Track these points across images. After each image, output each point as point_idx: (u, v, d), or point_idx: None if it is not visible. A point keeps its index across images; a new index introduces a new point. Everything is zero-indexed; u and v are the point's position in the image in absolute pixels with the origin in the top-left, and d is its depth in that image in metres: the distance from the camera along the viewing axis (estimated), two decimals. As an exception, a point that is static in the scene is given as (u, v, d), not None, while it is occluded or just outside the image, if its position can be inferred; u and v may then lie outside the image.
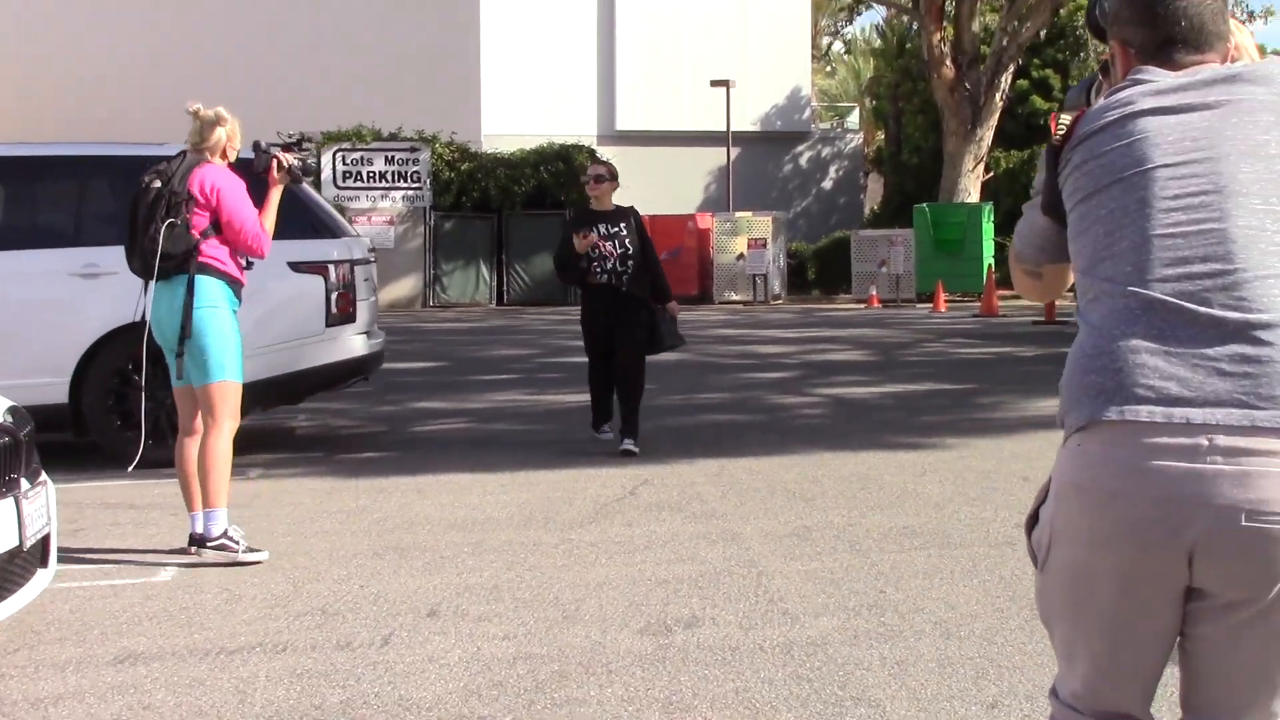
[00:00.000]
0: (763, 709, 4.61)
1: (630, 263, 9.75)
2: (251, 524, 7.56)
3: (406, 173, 31.50)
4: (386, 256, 32.02)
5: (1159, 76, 2.57)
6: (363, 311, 10.52)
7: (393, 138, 32.02)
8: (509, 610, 5.92)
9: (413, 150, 31.57)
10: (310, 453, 10.64)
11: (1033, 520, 2.64)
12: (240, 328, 7.28)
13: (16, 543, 5.13)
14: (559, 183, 32.32)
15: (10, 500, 5.14)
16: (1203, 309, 2.34)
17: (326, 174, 31.38)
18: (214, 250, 6.97)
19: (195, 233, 6.86)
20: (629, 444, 9.76)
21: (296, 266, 9.95)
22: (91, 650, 5.48)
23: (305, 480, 9.26)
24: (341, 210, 31.18)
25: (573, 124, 41.22)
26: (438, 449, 10.68)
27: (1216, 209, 2.39)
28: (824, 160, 45.48)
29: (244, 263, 7.20)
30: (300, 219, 10.11)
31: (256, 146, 7.27)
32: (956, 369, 16.91)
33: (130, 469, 7.78)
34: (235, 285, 7.13)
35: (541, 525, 7.62)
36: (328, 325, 10.20)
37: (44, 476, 5.64)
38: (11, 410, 5.64)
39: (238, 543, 6.83)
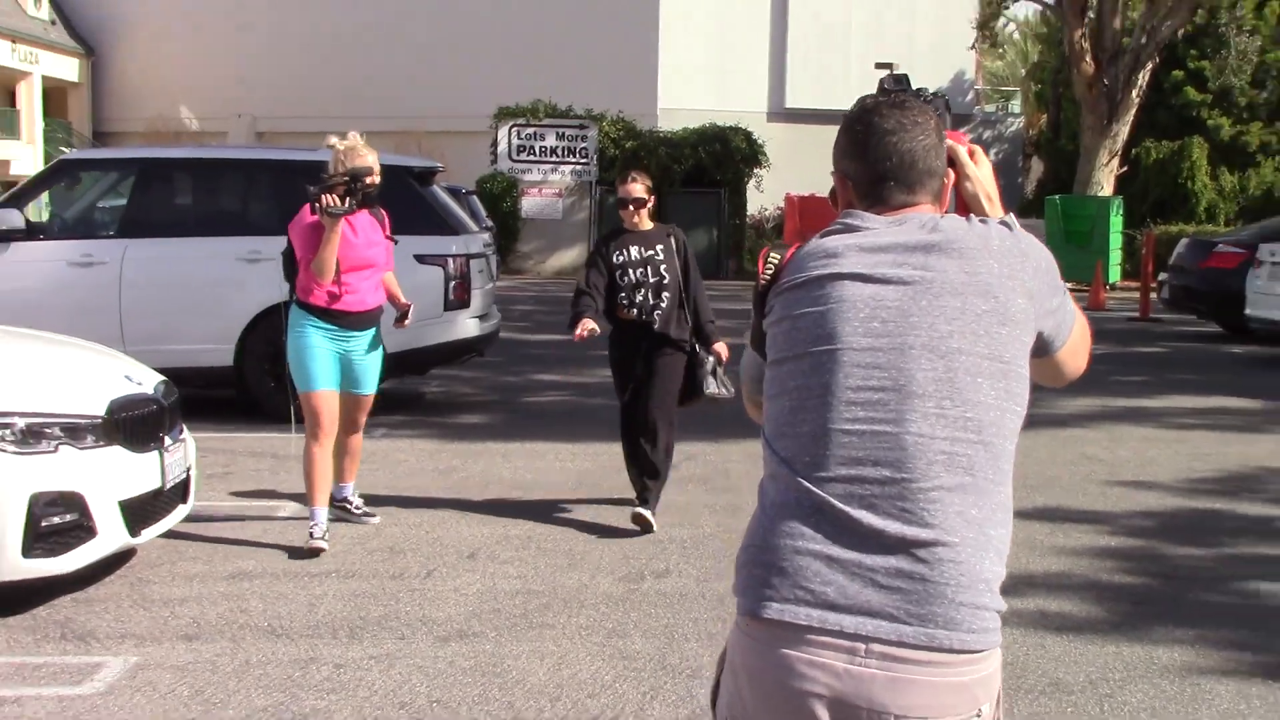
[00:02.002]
0: (676, 636, 6.14)
1: (665, 295, 8.05)
2: (365, 477, 9.21)
3: (575, 149, 33.05)
4: (555, 226, 33.77)
5: (867, 224, 2.55)
6: (477, 298, 12.06)
7: (564, 115, 33.61)
8: (530, 556, 7.51)
9: (581, 128, 33.12)
10: (430, 417, 12.26)
11: (716, 690, 2.64)
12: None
13: (159, 485, 6.88)
14: (716, 163, 33.70)
15: (155, 454, 6.88)
16: (867, 517, 2.36)
17: (502, 147, 33.14)
18: (302, 281, 7.63)
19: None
20: (643, 510, 8.06)
21: (421, 259, 11.47)
22: (214, 568, 7.22)
23: (417, 441, 10.92)
24: (513, 184, 33.11)
25: (745, 100, 42.47)
26: (535, 419, 12.23)
27: (893, 410, 2.39)
28: (985, 142, 45.93)
29: (340, 288, 7.59)
30: (424, 218, 11.72)
31: (305, 190, 7.55)
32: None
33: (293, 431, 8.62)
34: (318, 311, 7.60)
35: (589, 489, 9.14)
36: (445, 309, 11.72)
37: (185, 435, 7.37)
38: (163, 383, 7.37)
39: (315, 538, 7.51)
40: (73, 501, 6.38)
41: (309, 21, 47.08)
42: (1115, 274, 28.65)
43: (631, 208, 8.20)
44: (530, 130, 32.98)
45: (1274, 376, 15.71)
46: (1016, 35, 55.52)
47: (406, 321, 8.11)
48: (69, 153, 13.60)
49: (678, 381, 8.13)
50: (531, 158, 32.99)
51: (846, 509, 2.36)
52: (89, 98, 51.59)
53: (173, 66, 49.80)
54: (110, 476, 6.55)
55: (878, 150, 2.58)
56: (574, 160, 33.03)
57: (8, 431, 6.25)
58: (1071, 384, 2.77)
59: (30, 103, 48.11)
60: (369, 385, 7.94)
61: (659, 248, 8.15)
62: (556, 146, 33.08)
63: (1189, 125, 37.90)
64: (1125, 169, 32.77)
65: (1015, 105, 50.54)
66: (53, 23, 49.87)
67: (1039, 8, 40.62)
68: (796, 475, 2.43)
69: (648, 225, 8.28)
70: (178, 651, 5.90)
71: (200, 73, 49.10)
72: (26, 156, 46.79)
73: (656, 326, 8.04)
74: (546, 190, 33.14)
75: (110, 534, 6.54)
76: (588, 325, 7.88)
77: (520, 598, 6.74)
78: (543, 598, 6.75)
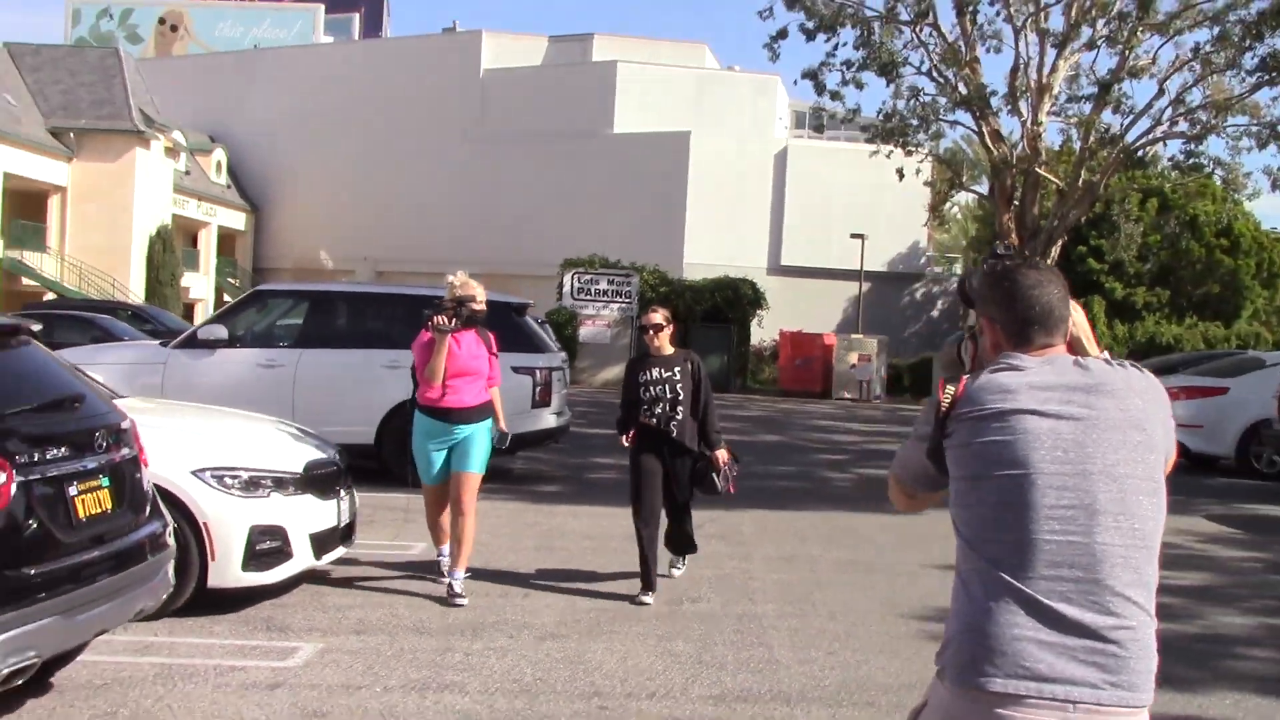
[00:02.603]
0: (708, 642, 6.60)
1: (680, 408, 7.70)
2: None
3: (621, 291, 33.67)
4: (604, 349, 34.32)
5: (1025, 363, 2.54)
6: (555, 399, 12.59)
7: (614, 266, 34.37)
8: (599, 583, 7.97)
9: (627, 276, 33.79)
10: (518, 486, 12.70)
11: None
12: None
13: (336, 523, 7.41)
14: (728, 305, 34.38)
15: (334, 501, 7.42)
16: (1068, 609, 2.40)
17: (566, 289, 33.82)
18: (420, 386, 7.59)
19: None
20: (677, 565, 8.25)
21: (517, 369, 11.99)
22: (371, 584, 7.71)
23: (509, 503, 11.35)
24: (574, 316, 33.77)
25: (751, 258, 43.23)
26: (596, 489, 12.66)
27: (1082, 524, 2.42)
28: (933, 296, 46.65)
29: (446, 393, 7.45)
30: (520, 340, 12.24)
31: (424, 314, 7.61)
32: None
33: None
34: (429, 410, 7.53)
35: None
36: (533, 407, 12.24)
37: (352, 489, 7.90)
38: (340, 452, 7.92)
39: (442, 570, 7.76)
40: (277, 532, 6.91)
41: (418, 188, 48.33)
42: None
43: (651, 332, 7.88)
44: (588, 277, 33.66)
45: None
46: (959, 215, 56.25)
47: (505, 445, 7.97)
48: (262, 286, 14.12)
49: (687, 477, 7.86)
50: (588, 297, 33.61)
51: (1050, 603, 2.39)
52: (251, 242, 52.84)
53: (314, 221, 51.03)
54: (304, 516, 7.07)
55: (1024, 301, 2.56)
56: (620, 300, 33.64)
57: (235, 481, 6.81)
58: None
59: (208, 245, 49.32)
60: (472, 464, 7.56)
61: (676, 370, 7.78)
62: (607, 289, 33.71)
63: (1091, 287, 38.50)
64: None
65: (957, 268, 51.08)
66: (228, 187, 51.24)
67: (976, 197, 41.42)
68: (1003, 574, 2.43)
69: (669, 350, 7.87)
70: (350, 641, 6.40)
71: (334, 225, 50.27)
72: (202, 285, 47.91)
73: (675, 435, 7.72)
74: (599, 322, 33.75)
75: (302, 557, 7.06)
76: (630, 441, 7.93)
77: (594, 612, 7.22)
78: (610, 613, 7.22)
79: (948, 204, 43.27)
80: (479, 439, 7.61)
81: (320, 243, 50.79)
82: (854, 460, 17.43)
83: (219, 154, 50.51)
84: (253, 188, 52.85)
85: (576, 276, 33.66)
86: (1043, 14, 29.50)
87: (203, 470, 6.73)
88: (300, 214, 51.53)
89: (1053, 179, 30.45)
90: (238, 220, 51.71)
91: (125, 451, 5.12)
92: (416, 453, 7.64)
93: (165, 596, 5.43)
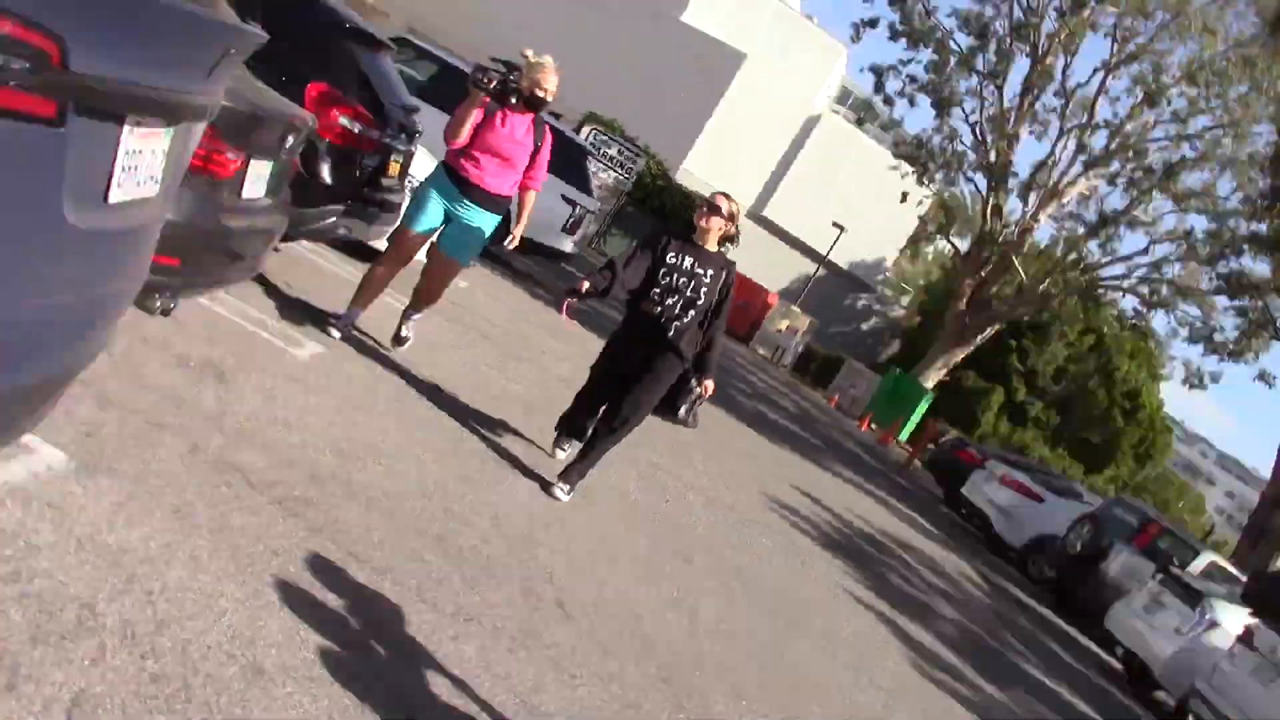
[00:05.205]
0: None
1: (691, 312, 6.78)
2: (485, 288, 12.99)
3: (625, 164, 36.42)
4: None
5: None
6: (579, 232, 15.92)
7: (630, 140, 37.20)
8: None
9: (636, 154, 36.55)
10: (515, 276, 15.62)
11: None
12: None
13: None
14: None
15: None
16: None
17: (580, 139, 36.55)
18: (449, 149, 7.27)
19: None
20: (561, 488, 6.73)
21: (565, 198, 14.99)
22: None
23: (505, 279, 14.65)
24: (577, 163, 36.47)
25: (740, 195, 45.48)
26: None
27: None
28: (872, 311, 50.26)
29: (470, 162, 7.17)
30: (579, 179, 15.43)
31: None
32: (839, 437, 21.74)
33: None
34: (449, 168, 7.25)
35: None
36: (561, 230, 15.35)
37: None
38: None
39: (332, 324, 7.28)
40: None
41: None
42: (905, 435, 32.48)
43: (704, 210, 6.94)
44: (603, 137, 36.27)
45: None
46: (929, 255, 59.55)
47: (512, 244, 7.67)
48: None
49: (666, 388, 6.95)
50: (595, 156, 36.30)
51: None
52: None
53: None
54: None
55: None
56: (622, 172, 36.40)
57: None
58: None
59: None
60: (462, 256, 7.42)
61: (710, 271, 6.83)
62: (615, 156, 36.43)
63: (999, 377, 42.09)
64: (948, 379, 36.91)
65: (905, 300, 54.70)
66: None
67: (952, 249, 45.02)
68: None
69: (712, 246, 6.92)
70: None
71: None
72: None
73: (670, 334, 6.84)
74: (594, 182, 36.52)
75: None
76: (582, 292, 6.73)
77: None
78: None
79: (926, 242, 46.65)
80: (483, 229, 7.33)
81: None
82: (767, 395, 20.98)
83: None
84: None
85: (594, 133, 36.29)
86: (1089, 130, 33.05)
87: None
88: None
89: (1021, 273, 34.08)
90: None
91: (413, 147, 8.37)
92: (416, 199, 7.38)
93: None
